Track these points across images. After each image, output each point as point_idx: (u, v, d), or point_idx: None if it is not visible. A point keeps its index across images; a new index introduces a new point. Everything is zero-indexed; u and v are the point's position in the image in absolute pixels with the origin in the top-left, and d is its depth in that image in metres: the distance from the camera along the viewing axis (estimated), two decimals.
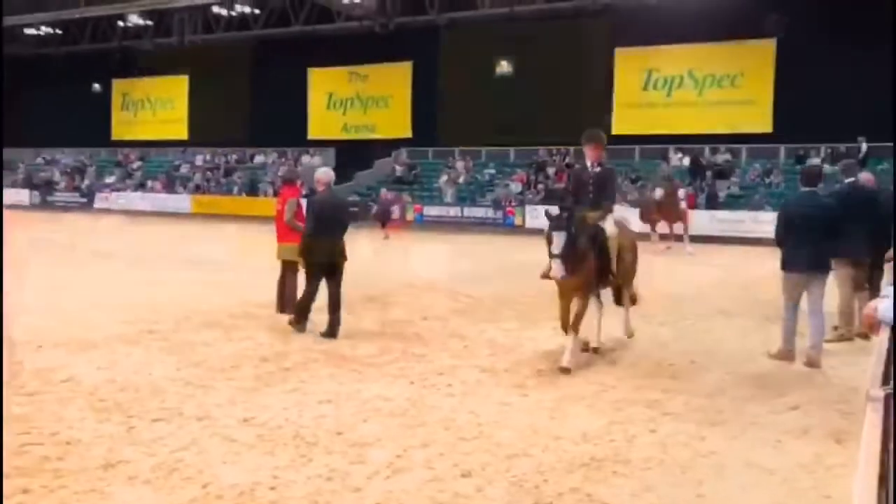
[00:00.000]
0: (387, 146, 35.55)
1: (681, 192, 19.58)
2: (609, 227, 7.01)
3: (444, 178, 33.28)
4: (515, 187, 31.17)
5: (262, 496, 3.88)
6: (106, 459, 4.32)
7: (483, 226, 28.68)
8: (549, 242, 6.47)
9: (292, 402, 5.54)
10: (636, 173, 28.76)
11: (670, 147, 29.21)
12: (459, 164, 33.99)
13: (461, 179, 33.11)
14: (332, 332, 7.89)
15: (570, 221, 6.49)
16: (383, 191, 26.64)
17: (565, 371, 6.46)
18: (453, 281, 12.44)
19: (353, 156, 35.30)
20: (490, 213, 30.07)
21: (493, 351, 7.47)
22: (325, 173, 8.83)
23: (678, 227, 18.96)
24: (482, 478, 4.21)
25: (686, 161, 28.01)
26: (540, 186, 30.45)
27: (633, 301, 7.92)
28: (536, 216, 28.60)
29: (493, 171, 33.23)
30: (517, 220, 29.08)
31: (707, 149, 28.16)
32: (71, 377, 6.06)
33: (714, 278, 13.84)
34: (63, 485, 3.96)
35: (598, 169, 7.18)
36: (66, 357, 6.74)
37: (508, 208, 29.69)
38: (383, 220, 23.31)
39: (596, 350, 7.30)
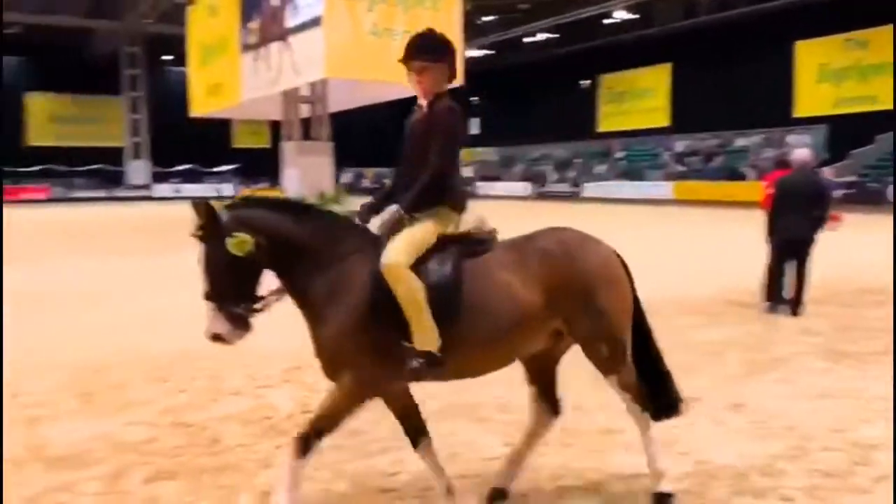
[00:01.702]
0: (892, 119, 31.40)
1: None
2: (400, 241, 3.33)
3: None
4: None
5: (756, 482, 3.89)
6: (605, 426, 4.76)
7: None
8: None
9: (783, 394, 5.38)
10: None
11: None
12: None
13: None
14: (793, 310, 8.06)
15: (215, 223, 3.23)
16: (826, 170, 23.50)
17: None
18: None
19: (848, 132, 31.97)
20: None
21: None
22: (798, 153, 8.65)
23: None
24: None
25: None
26: None
27: (653, 408, 3.72)
28: None
29: None
30: None
31: None
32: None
33: None
34: (570, 444, 4.49)
35: (424, 111, 3.58)
36: None
37: None
38: None
39: (496, 498, 3.73)
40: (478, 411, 5.07)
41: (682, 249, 15.09)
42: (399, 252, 3.28)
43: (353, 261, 3.34)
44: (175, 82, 48.89)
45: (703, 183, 35.08)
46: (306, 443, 3.31)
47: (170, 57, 47.88)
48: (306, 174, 23.44)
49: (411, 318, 3.24)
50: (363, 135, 50.29)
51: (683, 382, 5.71)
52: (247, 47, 24.93)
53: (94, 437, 4.62)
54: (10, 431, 4.70)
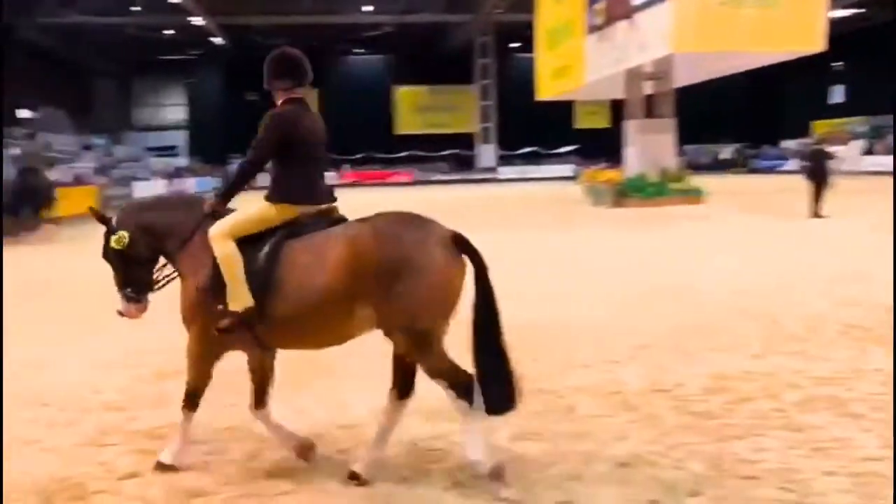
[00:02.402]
0: None
1: None
2: (229, 217, 3.86)
3: None
4: None
5: None
6: None
7: None
8: None
9: None
10: None
11: None
12: None
13: None
14: None
15: (106, 227, 4.09)
16: None
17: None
18: None
19: None
20: None
21: None
22: None
23: None
24: None
25: None
26: None
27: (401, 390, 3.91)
28: None
29: None
30: None
31: None
32: None
33: None
34: None
35: None
36: None
37: None
38: None
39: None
40: (849, 406, 4.65)
41: None
42: (223, 224, 3.78)
43: (197, 236, 3.87)
44: (522, 68, 51.15)
45: None
46: (191, 399, 3.90)
47: (517, 44, 50.21)
48: (648, 152, 23.12)
49: (226, 280, 3.66)
50: (707, 109, 48.09)
51: None
52: (592, 28, 25.21)
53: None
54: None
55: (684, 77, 24.70)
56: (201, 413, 3.98)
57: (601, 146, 43.13)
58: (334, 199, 4.01)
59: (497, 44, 49.08)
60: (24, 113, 36.93)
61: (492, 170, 49.07)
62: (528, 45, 36.45)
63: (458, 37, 49.07)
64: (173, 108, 55.31)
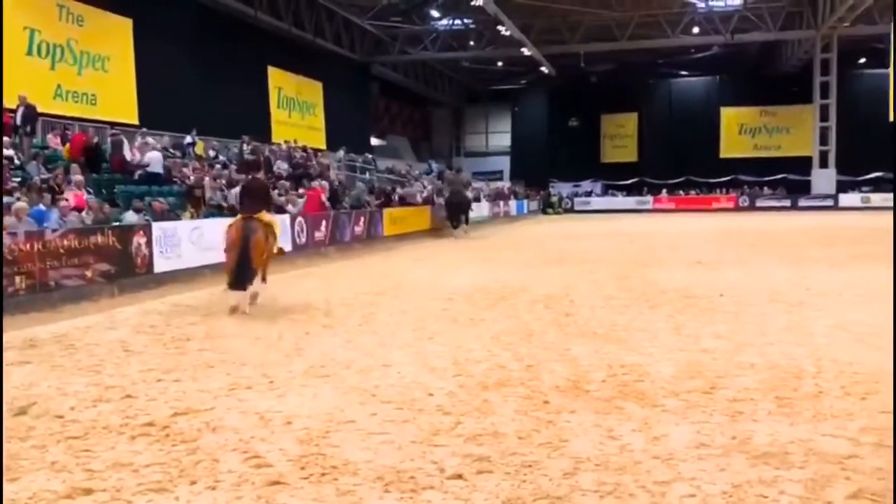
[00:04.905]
0: None
1: None
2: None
3: None
4: None
5: None
6: None
7: None
8: None
9: None
10: None
11: None
12: None
13: None
14: None
15: None
16: None
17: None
18: None
19: None
20: None
21: None
22: None
23: None
24: None
25: None
26: None
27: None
28: None
29: None
30: None
31: None
32: None
33: None
34: None
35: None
36: None
37: None
38: None
39: None
40: None
41: None
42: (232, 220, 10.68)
43: None
44: (866, 85, 46.01)
45: None
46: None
47: (862, 60, 45.25)
48: None
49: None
50: None
51: None
52: None
53: (791, 440, 4.70)
54: (714, 419, 5.13)
55: None
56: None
57: None
58: (258, 212, 9.87)
59: (839, 60, 44.41)
60: (374, 141, 41.57)
61: (830, 197, 44.53)
62: (875, 61, 32.56)
63: (793, 54, 45.51)
64: (499, 135, 58.48)
